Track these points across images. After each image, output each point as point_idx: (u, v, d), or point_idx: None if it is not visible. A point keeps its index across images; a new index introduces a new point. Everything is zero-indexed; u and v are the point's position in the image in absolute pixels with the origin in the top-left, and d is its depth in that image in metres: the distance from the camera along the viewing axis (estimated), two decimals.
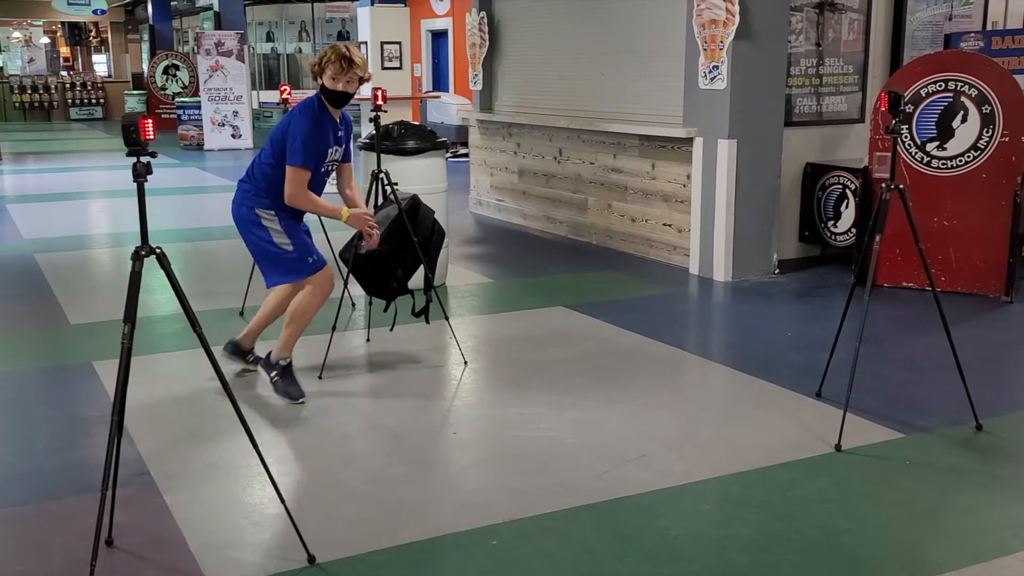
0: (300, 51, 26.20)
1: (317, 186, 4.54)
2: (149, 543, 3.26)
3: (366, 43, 12.74)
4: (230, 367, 4.91)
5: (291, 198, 4.42)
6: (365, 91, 5.64)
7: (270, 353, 4.67)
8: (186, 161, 15.47)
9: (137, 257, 2.92)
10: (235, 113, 17.15)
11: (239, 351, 4.94)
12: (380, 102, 5.14)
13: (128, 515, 3.40)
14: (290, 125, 4.40)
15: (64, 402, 4.66)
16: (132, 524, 3.36)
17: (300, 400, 4.54)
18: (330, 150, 4.52)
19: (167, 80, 21.75)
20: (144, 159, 2.87)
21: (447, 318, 5.46)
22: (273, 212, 4.50)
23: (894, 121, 4.11)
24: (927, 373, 4.98)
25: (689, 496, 3.58)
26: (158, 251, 2.97)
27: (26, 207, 10.87)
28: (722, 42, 6.76)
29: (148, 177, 2.90)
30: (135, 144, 2.85)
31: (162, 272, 2.99)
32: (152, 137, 2.88)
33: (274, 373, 4.61)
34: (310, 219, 4.84)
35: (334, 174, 4.74)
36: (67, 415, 4.47)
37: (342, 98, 4.48)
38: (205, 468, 3.87)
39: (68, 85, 26.46)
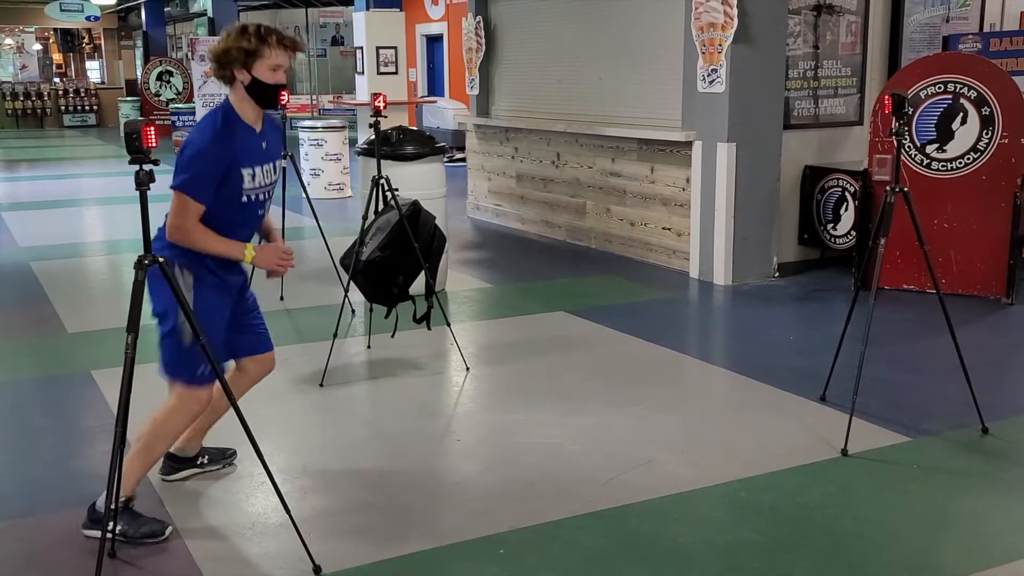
0: (295, 54, 26.11)
1: (248, 222, 3.37)
2: (152, 555, 3.23)
3: (361, 48, 12.71)
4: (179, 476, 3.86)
5: (174, 231, 3.15)
6: (363, 96, 5.61)
7: (93, 504, 3.32)
8: None
9: (140, 266, 2.89)
10: None
11: (182, 461, 3.77)
12: (381, 107, 5.12)
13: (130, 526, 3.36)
14: (186, 141, 3.22)
15: (63, 412, 4.62)
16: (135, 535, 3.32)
17: (166, 533, 3.30)
18: (246, 171, 3.24)
19: (161, 86, 21.69)
20: (147, 167, 2.84)
21: (448, 324, 5.44)
22: (191, 275, 3.24)
23: (897, 124, 4.10)
24: (931, 376, 4.96)
25: (697, 502, 3.56)
26: (161, 260, 2.94)
27: (21, 215, 10.82)
28: (720, 45, 6.75)
29: (151, 185, 2.86)
30: (138, 152, 2.82)
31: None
32: (155, 145, 2.85)
33: (120, 526, 3.21)
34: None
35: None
36: (66, 425, 4.44)
37: (277, 94, 3.33)
38: (208, 478, 3.83)
39: (61, 92, 26.39)
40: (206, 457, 3.84)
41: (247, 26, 3.28)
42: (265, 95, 3.28)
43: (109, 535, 3.03)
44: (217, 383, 3.24)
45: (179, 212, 3.14)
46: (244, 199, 3.27)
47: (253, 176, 3.27)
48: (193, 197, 3.13)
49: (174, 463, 3.77)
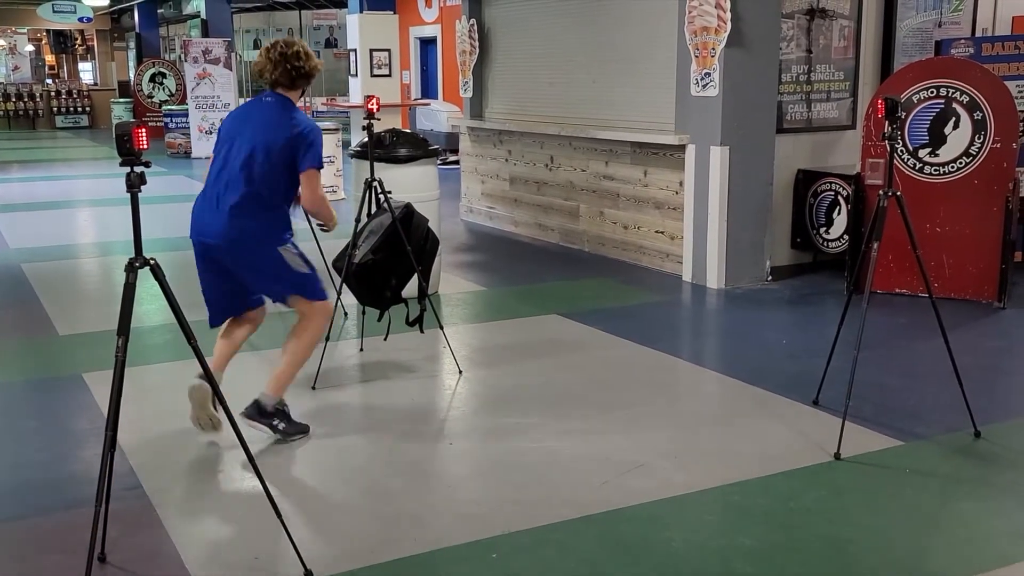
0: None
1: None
2: (142, 558, 3.21)
3: (355, 50, 12.71)
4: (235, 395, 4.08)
5: (314, 203, 4.03)
6: (357, 99, 5.61)
7: (257, 400, 4.12)
8: (174, 169, 15.37)
9: (131, 269, 2.88)
10: (223, 121, 17.08)
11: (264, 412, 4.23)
12: (374, 110, 5.11)
13: (121, 530, 3.34)
14: (303, 126, 3.98)
15: (54, 415, 4.60)
16: (125, 539, 3.31)
17: (307, 432, 4.23)
18: None
19: (154, 88, 21.65)
20: (138, 169, 2.83)
21: (441, 327, 5.43)
22: (291, 244, 4.08)
23: (890, 128, 4.10)
24: (923, 380, 4.97)
25: (690, 506, 3.55)
26: (152, 262, 2.93)
27: (12, 216, 10.78)
28: (714, 49, 6.76)
29: (142, 187, 2.85)
30: (129, 154, 2.80)
31: (150, 282, 2.94)
32: (146, 147, 2.84)
33: (276, 420, 4.13)
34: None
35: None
36: (57, 428, 4.42)
37: None
38: (199, 482, 3.82)
39: (53, 93, 26.32)
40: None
41: (300, 44, 4.14)
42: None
43: (270, 431, 4.10)
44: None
45: (316, 186, 4.00)
46: None
47: None
48: (319, 167, 4.00)
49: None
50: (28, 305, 6.71)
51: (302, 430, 4.21)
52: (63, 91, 26.41)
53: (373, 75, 12.52)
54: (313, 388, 4.86)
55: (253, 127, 4.03)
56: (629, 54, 7.98)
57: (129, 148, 2.80)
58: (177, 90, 21.31)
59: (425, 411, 4.66)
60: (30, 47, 31.01)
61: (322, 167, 4.05)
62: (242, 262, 4.02)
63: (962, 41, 7.31)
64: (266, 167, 3.94)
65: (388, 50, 12.69)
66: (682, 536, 3.32)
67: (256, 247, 3.99)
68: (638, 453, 4.02)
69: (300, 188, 4.01)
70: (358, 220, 5.17)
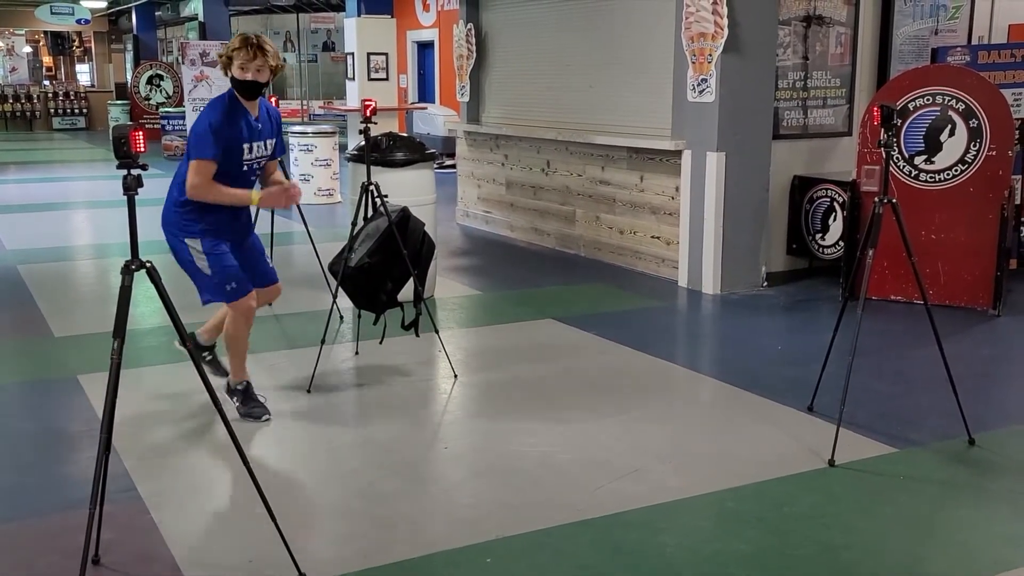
0: (285, 61, 26.14)
1: (243, 184, 4.26)
2: (136, 561, 3.21)
3: (352, 54, 12.71)
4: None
5: (192, 189, 4.09)
6: (354, 102, 5.62)
7: (229, 380, 4.59)
8: (170, 171, 15.36)
9: (127, 271, 2.88)
10: None
11: (200, 348, 4.71)
12: (370, 114, 5.12)
13: (115, 532, 3.34)
14: (198, 119, 4.14)
15: (49, 416, 4.59)
16: (119, 541, 3.31)
17: (265, 418, 4.48)
18: (245, 145, 4.18)
19: (151, 90, 21.64)
20: (135, 172, 2.83)
21: (437, 331, 5.43)
22: (198, 238, 4.23)
23: (886, 135, 4.11)
24: (918, 387, 4.98)
25: (685, 511, 3.56)
26: (148, 265, 2.93)
27: (8, 217, 10.77)
28: (711, 55, 6.77)
29: (139, 190, 2.85)
30: (126, 156, 2.80)
31: (146, 284, 2.94)
32: (143, 149, 2.84)
33: (235, 399, 4.52)
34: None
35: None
36: (52, 430, 4.41)
37: (252, 87, 4.16)
38: (193, 484, 3.82)
39: (51, 95, 26.30)
40: (212, 356, 4.78)
41: (234, 37, 4.34)
42: (240, 87, 4.17)
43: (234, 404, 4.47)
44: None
45: (197, 172, 4.07)
46: (244, 168, 4.21)
47: (251, 149, 4.20)
48: (212, 159, 4.04)
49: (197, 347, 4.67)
50: (24, 307, 6.70)
51: (254, 414, 4.48)
52: (60, 93, 26.39)
53: (370, 79, 12.53)
54: (308, 391, 4.86)
55: None
56: (626, 59, 7.99)
57: (126, 151, 2.80)
58: (174, 92, 21.30)
59: (420, 415, 4.66)
60: (28, 48, 31.01)
61: (204, 157, 4.05)
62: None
63: (958, 49, 7.34)
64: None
65: (385, 54, 12.70)
66: (676, 541, 3.33)
67: (168, 235, 4.31)
68: (633, 458, 4.03)
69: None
70: (354, 223, 5.17)
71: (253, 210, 4.54)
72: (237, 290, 4.28)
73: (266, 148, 4.32)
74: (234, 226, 4.36)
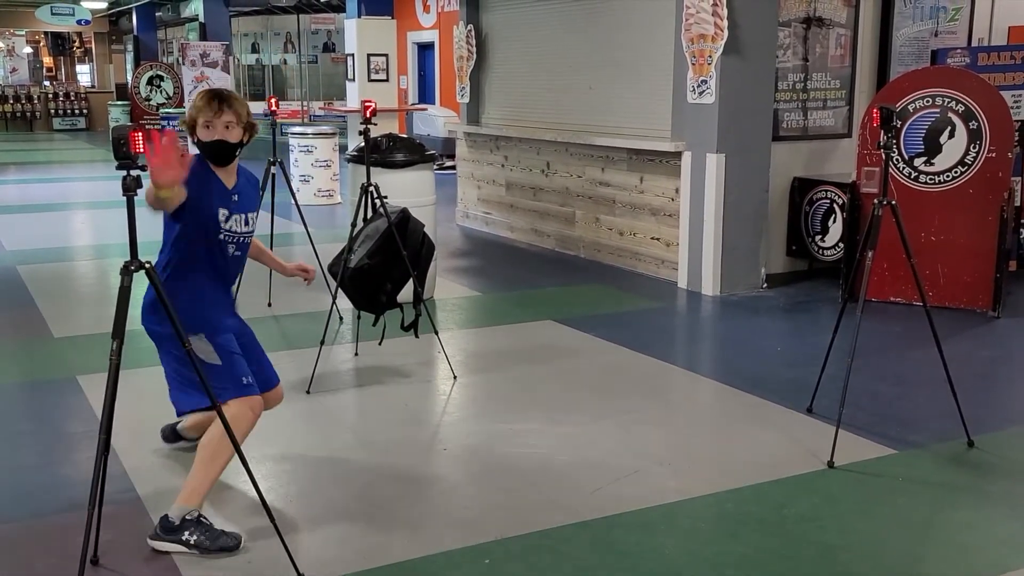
0: (285, 63, 26.18)
1: (226, 262, 3.51)
2: (136, 562, 3.21)
3: (353, 55, 12.71)
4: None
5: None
6: (354, 103, 5.61)
7: (166, 515, 3.30)
8: None
9: (127, 272, 2.87)
10: None
11: (179, 439, 4.12)
12: (370, 115, 5.12)
13: (114, 533, 3.34)
14: None
15: (48, 417, 4.59)
16: (118, 542, 3.30)
17: (241, 545, 3.30)
18: (221, 211, 3.41)
19: (151, 91, 21.64)
20: (134, 172, 2.83)
21: (436, 332, 5.43)
22: (202, 333, 3.39)
23: (886, 137, 4.11)
24: (917, 389, 4.98)
25: (683, 513, 3.55)
26: (147, 266, 2.93)
27: (8, 218, 10.77)
28: (710, 56, 6.77)
29: (138, 191, 2.85)
30: (125, 157, 2.80)
31: (145, 285, 2.94)
32: (143, 150, 2.84)
33: (186, 534, 3.25)
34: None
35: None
36: (51, 430, 4.41)
37: (222, 150, 3.40)
38: None
39: (51, 95, 26.30)
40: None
41: (196, 95, 3.48)
42: (207, 150, 3.42)
43: (184, 548, 3.24)
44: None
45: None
46: (222, 236, 3.42)
47: (227, 218, 3.43)
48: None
49: (175, 437, 4.12)
50: (23, 307, 6.70)
51: (227, 545, 3.27)
52: (61, 93, 26.39)
53: (370, 80, 12.52)
54: (308, 392, 4.86)
55: None
56: (626, 61, 7.99)
57: (126, 152, 2.80)
58: (175, 93, 21.30)
59: (419, 416, 4.66)
60: (28, 49, 30.98)
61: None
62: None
63: (958, 51, 7.34)
64: None
65: (386, 55, 12.70)
66: (675, 543, 3.33)
67: (158, 325, 3.42)
68: (632, 459, 4.03)
69: None
70: (354, 224, 5.18)
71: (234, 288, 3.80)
72: (252, 385, 3.47)
73: (247, 224, 3.53)
74: (224, 296, 3.60)
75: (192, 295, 3.39)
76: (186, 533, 3.25)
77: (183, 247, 3.38)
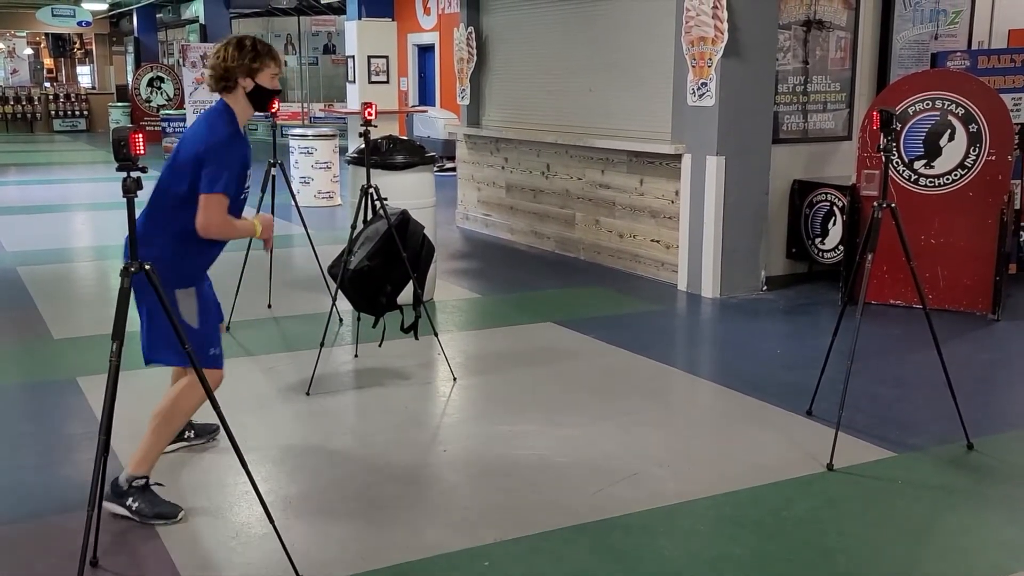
0: (286, 64, 26.16)
1: (238, 215, 3.59)
2: (135, 563, 3.21)
3: (353, 57, 12.72)
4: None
5: (210, 228, 3.37)
6: (354, 105, 5.60)
7: (116, 479, 3.47)
8: None
9: (126, 273, 2.88)
10: None
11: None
12: (370, 117, 5.12)
13: (114, 534, 3.35)
14: (207, 142, 3.40)
15: (48, 418, 4.59)
16: (118, 544, 3.31)
17: (179, 516, 3.46)
18: (249, 172, 3.59)
19: (152, 92, 21.66)
20: (134, 174, 2.83)
21: (436, 334, 5.43)
22: (193, 287, 3.47)
23: (885, 140, 4.12)
24: (917, 391, 4.98)
25: (683, 516, 3.56)
26: (147, 267, 2.93)
27: (8, 219, 10.77)
28: (711, 59, 6.78)
29: (138, 192, 2.85)
30: (125, 159, 2.81)
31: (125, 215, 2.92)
32: (143, 152, 2.85)
33: (130, 500, 3.42)
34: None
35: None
36: (51, 432, 4.41)
37: (271, 98, 3.62)
38: (192, 486, 3.81)
39: (51, 97, 26.31)
40: (192, 432, 4.14)
41: (245, 39, 3.58)
42: (263, 100, 3.58)
43: (125, 512, 3.42)
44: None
45: (214, 210, 3.36)
46: (241, 197, 3.56)
47: (248, 176, 3.59)
48: (222, 192, 3.37)
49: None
50: (23, 308, 6.70)
51: (165, 514, 3.44)
52: (61, 95, 26.40)
53: (371, 82, 12.54)
54: (307, 394, 4.86)
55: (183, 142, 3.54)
56: (626, 63, 8.00)
57: (126, 154, 2.81)
58: (175, 94, 21.32)
59: (419, 417, 4.66)
60: (29, 50, 31.02)
61: (222, 192, 3.37)
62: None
63: (958, 54, 7.34)
64: (163, 191, 3.45)
65: (386, 57, 12.71)
66: (674, 545, 3.33)
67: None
68: (631, 462, 4.03)
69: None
70: (354, 226, 5.18)
71: None
72: (219, 357, 3.59)
73: (249, 179, 3.65)
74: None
75: (201, 251, 3.49)
76: (129, 499, 3.44)
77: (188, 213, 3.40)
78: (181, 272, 3.42)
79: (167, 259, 3.28)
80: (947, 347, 4.33)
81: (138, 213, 2.93)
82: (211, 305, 3.59)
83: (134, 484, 3.45)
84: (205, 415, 3.90)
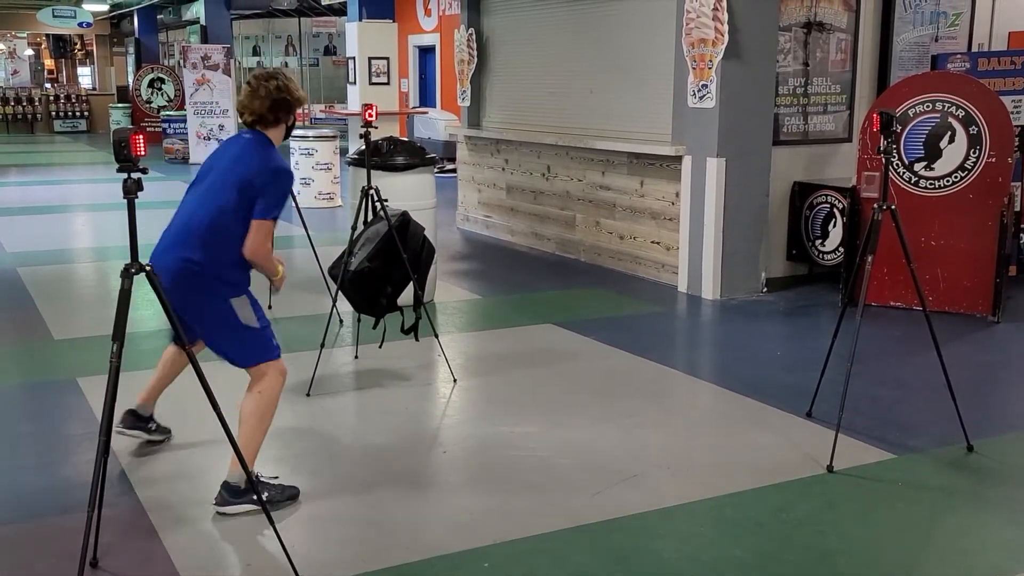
0: (286, 65, 26.18)
1: None
2: (135, 564, 3.21)
3: (354, 58, 12.73)
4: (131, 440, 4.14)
5: (256, 252, 3.50)
6: (355, 106, 5.61)
7: (227, 483, 3.55)
8: (171, 175, 15.37)
9: (127, 274, 2.88)
10: (221, 127, 17.09)
11: (139, 419, 4.11)
12: (371, 118, 5.12)
13: (114, 536, 3.34)
14: (270, 169, 3.53)
15: (48, 419, 4.59)
16: (118, 545, 3.31)
17: (299, 493, 3.72)
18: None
19: (152, 93, 21.66)
20: (135, 175, 2.84)
21: (436, 335, 5.43)
22: (245, 296, 3.60)
23: (886, 142, 4.12)
24: (917, 393, 4.98)
25: (683, 517, 3.56)
26: (148, 268, 2.94)
27: (9, 220, 10.77)
28: (711, 61, 6.78)
29: (139, 194, 2.86)
30: (126, 160, 2.81)
31: (145, 288, 2.95)
32: (143, 153, 2.85)
33: (255, 496, 3.37)
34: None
35: None
36: (51, 432, 4.41)
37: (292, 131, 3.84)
38: (192, 488, 3.81)
39: (52, 97, 26.32)
40: (154, 425, 4.18)
41: (279, 77, 3.69)
42: (289, 133, 3.78)
43: (256, 506, 3.39)
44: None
45: (264, 236, 3.53)
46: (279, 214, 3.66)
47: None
48: (274, 218, 3.55)
49: (136, 419, 4.10)
50: (24, 309, 6.70)
51: (293, 494, 3.68)
52: (62, 96, 26.41)
53: (371, 83, 12.54)
54: (308, 395, 4.86)
55: (222, 164, 3.64)
56: (627, 65, 8.00)
57: (126, 155, 2.81)
58: (176, 95, 21.33)
59: (419, 419, 4.67)
60: (29, 51, 31.04)
61: (274, 218, 3.54)
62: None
63: (958, 56, 7.35)
64: (221, 209, 3.51)
65: (387, 58, 12.71)
66: (674, 547, 3.33)
67: (201, 300, 3.54)
68: (631, 463, 4.03)
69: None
70: (354, 228, 5.18)
71: None
72: (279, 347, 3.72)
73: None
74: None
75: (246, 263, 3.58)
76: (254, 496, 3.42)
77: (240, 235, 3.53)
78: (235, 285, 3.57)
79: (216, 277, 3.49)
80: (947, 349, 4.34)
81: (140, 214, 2.92)
82: (257, 303, 3.71)
83: (260, 478, 3.60)
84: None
